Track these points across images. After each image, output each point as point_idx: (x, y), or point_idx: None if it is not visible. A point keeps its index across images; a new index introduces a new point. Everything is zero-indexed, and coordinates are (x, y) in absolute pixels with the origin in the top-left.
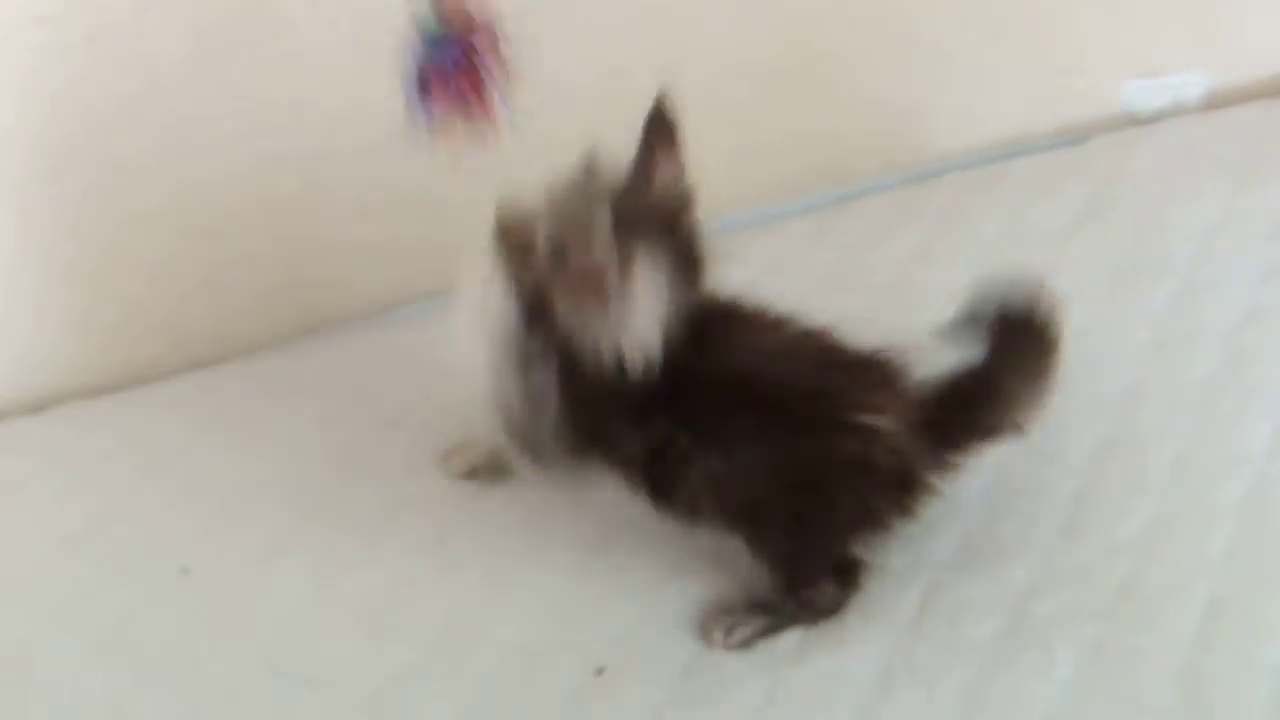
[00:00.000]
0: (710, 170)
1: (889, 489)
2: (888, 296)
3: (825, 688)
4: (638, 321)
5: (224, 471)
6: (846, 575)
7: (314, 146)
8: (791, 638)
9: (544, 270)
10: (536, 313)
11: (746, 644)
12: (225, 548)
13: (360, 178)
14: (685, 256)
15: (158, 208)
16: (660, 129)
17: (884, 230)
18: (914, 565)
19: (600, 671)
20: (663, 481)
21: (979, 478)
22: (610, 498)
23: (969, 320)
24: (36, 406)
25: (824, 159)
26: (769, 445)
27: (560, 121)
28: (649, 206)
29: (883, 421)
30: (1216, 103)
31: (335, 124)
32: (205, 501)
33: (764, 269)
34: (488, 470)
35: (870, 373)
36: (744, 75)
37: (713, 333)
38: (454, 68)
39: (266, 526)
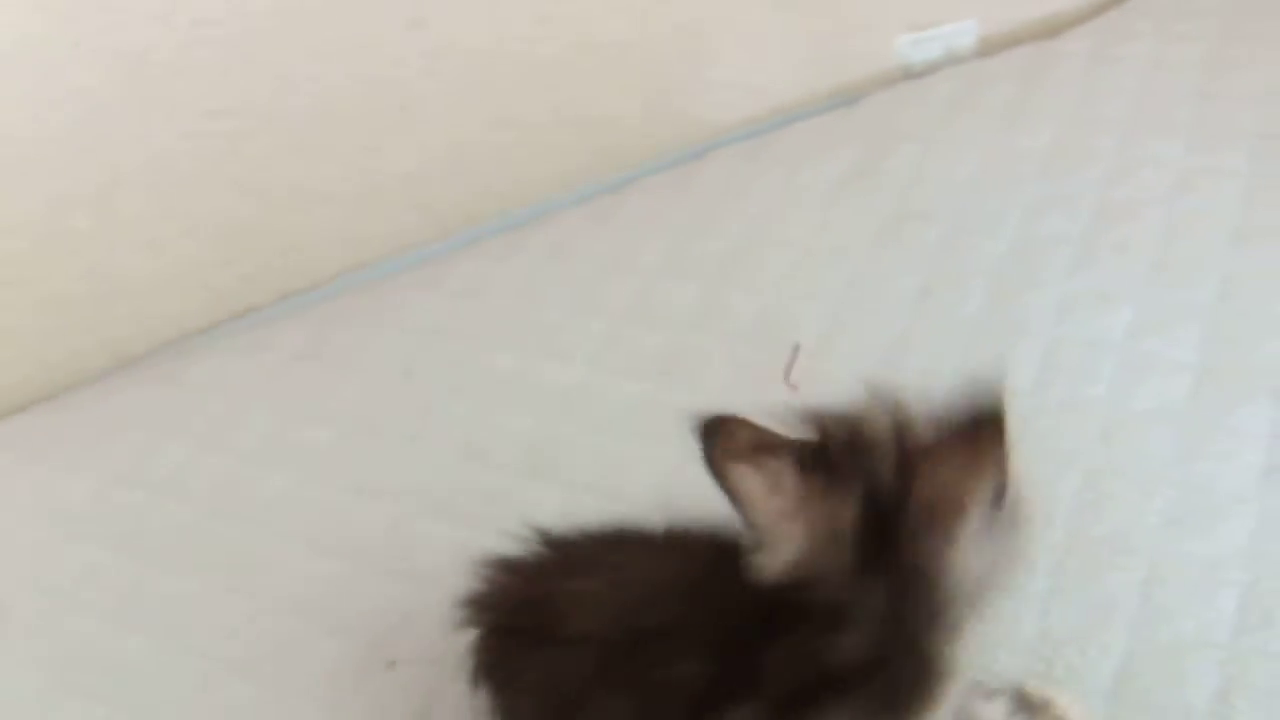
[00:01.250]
0: (482, 165)
1: None
2: (662, 275)
3: None
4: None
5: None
6: None
7: None
8: None
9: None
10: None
11: None
12: None
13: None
14: None
15: None
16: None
17: (658, 210)
18: None
19: None
20: None
21: None
22: None
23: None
24: None
25: (600, 144)
26: None
27: None
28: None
29: None
30: (989, 49)
31: None
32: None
33: (543, 257)
34: None
35: None
36: (508, 65)
37: None
38: None
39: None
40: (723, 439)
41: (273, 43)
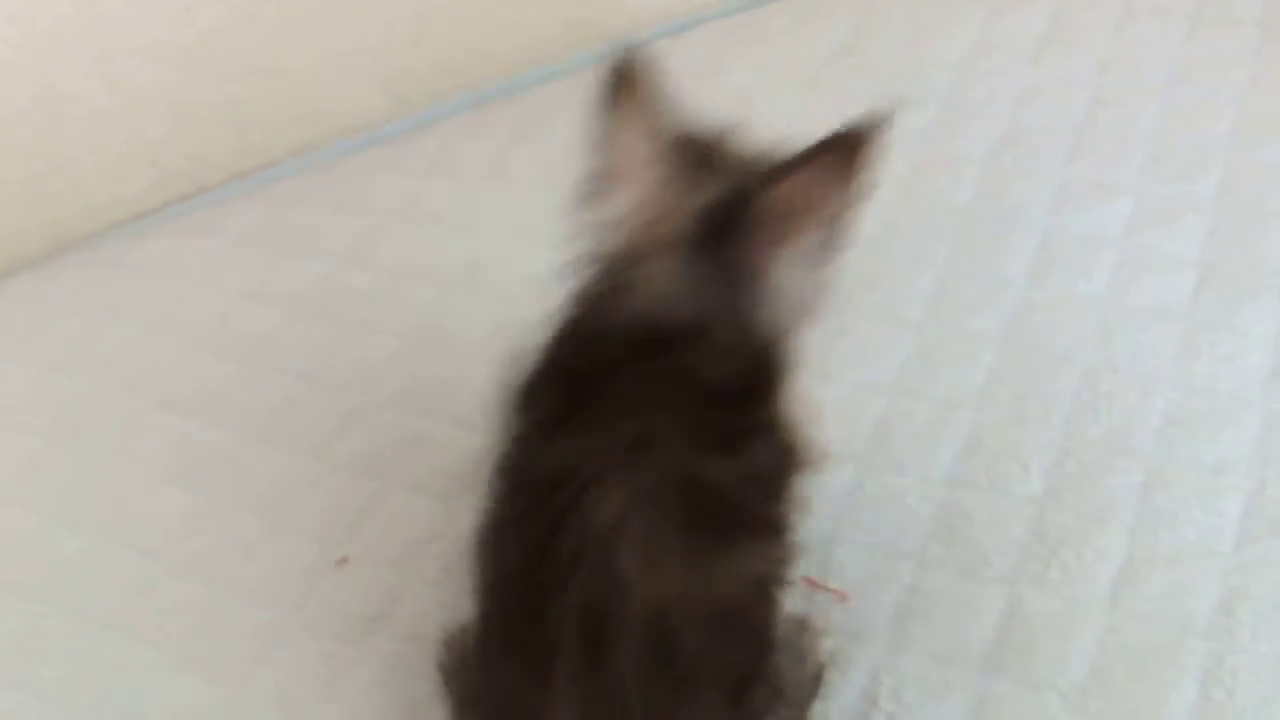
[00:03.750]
0: (448, 38)
1: None
2: None
3: None
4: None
5: None
6: None
7: None
8: None
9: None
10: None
11: None
12: None
13: None
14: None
15: None
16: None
17: None
18: None
19: None
20: None
21: None
22: None
23: None
24: None
25: (573, 17)
26: None
27: None
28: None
29: None
30: None
31: None
32: None
33: (512, 137)
34: None
35: None
36: None
37: None
38: None
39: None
40: (632, 79)
41: None
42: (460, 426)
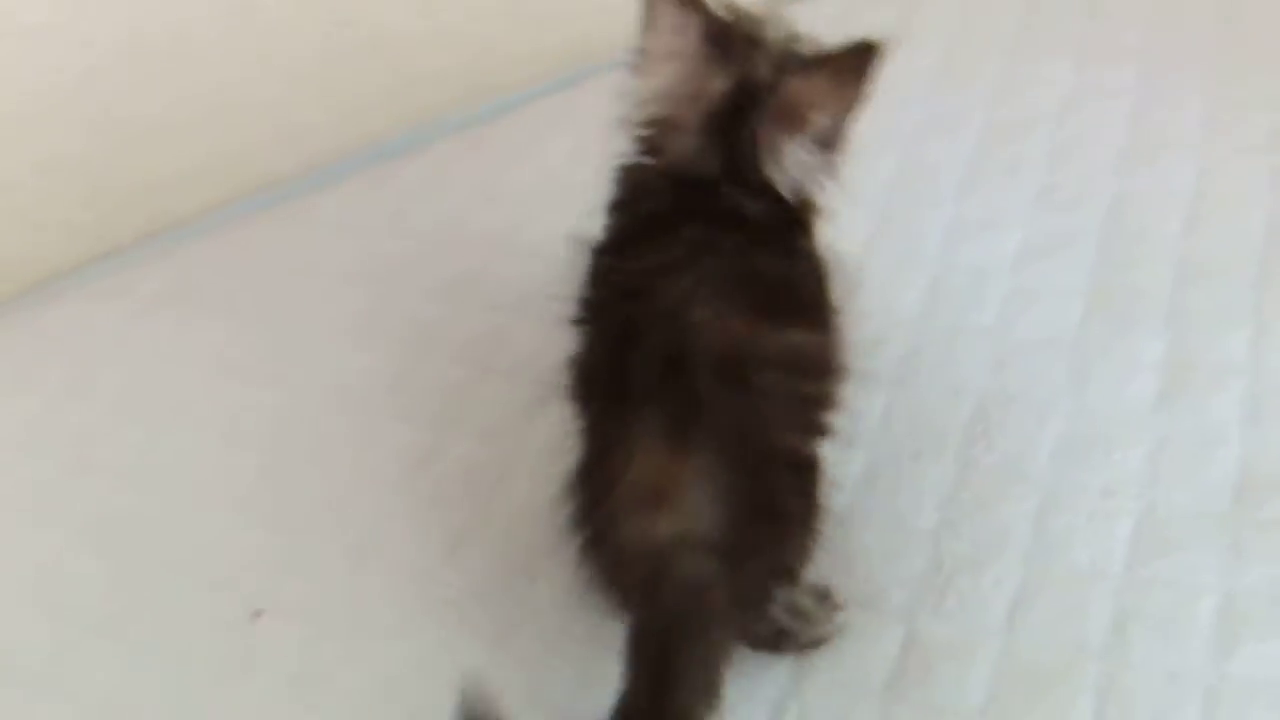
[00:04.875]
0: (350, 93)
1: None
2: (530, 208)
3: None
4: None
5: None
6: None
7: None
8: None
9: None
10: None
11: None
12: None
13: None
14: None
15: None
16: (851, 58)
17: (537, 136)
18: None
19: None
20: None
21: None
22: None
23: None
24: None
25: (477, 68)
26: None
27: None
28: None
29: None
30: None
31: None
32: None
33: (413, 192)
34: None
35: None
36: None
37: None
38: None
39: None
40: None
41: None
42: (375, 484)
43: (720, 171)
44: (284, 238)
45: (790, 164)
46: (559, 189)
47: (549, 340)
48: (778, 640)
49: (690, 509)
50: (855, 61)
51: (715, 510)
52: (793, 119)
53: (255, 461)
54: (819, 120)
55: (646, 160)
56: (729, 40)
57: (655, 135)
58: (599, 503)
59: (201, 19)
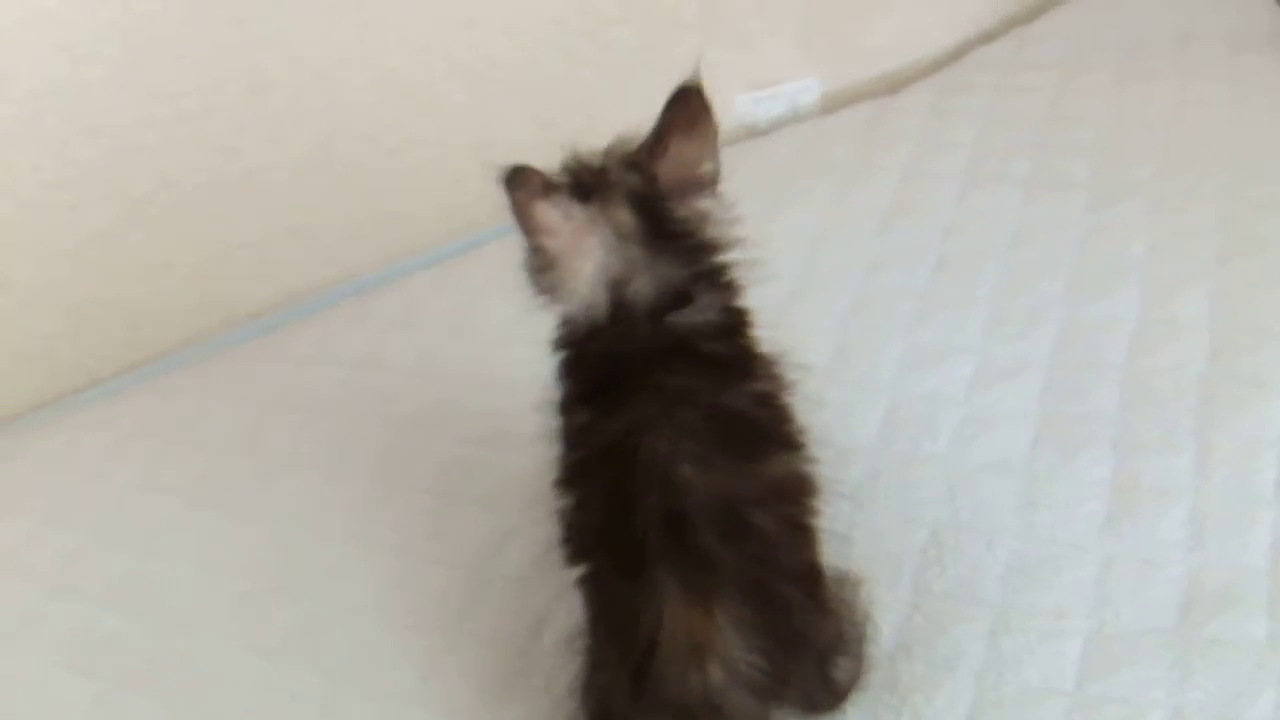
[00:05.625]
0: (327, 230)
1: None
2: (502, 343)
3: None
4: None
5: None
6: None
7: None
8: None
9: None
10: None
11: None
12: None
13: None
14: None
15: None
16: (681, 109)
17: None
18: None
19: None
20: None
21: None
22: None
23: None
24: None
25: (447, 208)
26: None
27: None
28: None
29: None
30: (832, 106)
31: None
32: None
33: (391, 323)
34: None
35: None
36: (349, 133)
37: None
38: None
39: None
40: (523, 182)
41: (110, 111)
42: (349, 611)
43: (666, 277)
44: (260, 371)
45: (709, 218)
46: (528, 323)
47: (519, 471)
48: (851, 647)
49: (730, 653)
50: (692, 106)
51: (750, 646)
52: (689, 183)
53: (233, 589)
54: (707, 168)
55: (580, 341)
56: (587, 185)
57: (579, 316)
58: (642, 666)
59: (186, 168)
